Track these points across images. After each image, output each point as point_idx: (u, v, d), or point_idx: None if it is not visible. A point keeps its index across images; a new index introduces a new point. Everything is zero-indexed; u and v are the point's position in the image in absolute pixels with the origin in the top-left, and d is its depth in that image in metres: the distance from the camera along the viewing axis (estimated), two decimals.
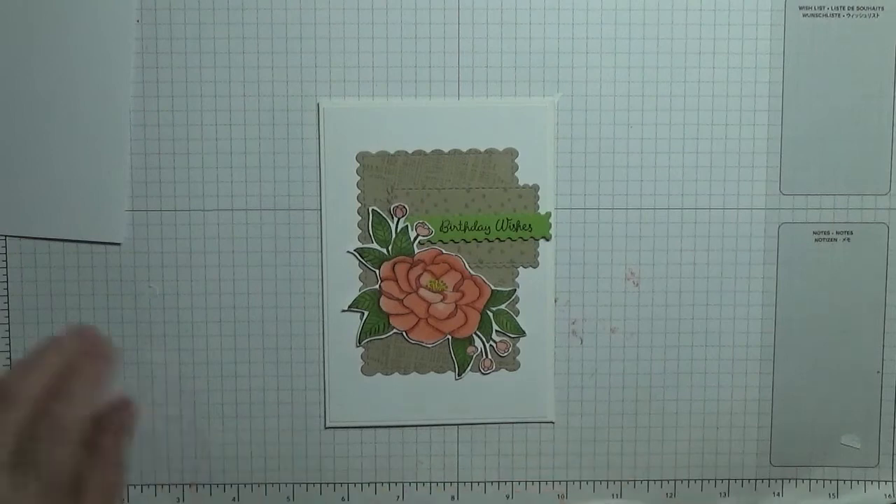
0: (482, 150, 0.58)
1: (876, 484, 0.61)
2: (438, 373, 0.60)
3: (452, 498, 0.61)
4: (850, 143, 0.59)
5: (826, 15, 0.58)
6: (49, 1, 0.57)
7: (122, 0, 0.57)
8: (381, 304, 0.59)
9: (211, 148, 0.58)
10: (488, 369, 0.60)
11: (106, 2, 0.57)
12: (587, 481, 0.61)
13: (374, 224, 0.58)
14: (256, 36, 0.57)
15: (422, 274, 0.59)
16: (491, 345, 0.60)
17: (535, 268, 0.59)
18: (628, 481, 0.61)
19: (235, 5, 0.57)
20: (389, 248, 0.59)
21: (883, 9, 0.58)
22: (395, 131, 0.58)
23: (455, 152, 0.58)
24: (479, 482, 0.61)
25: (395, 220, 0.58)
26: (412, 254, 0.59)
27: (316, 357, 0.59)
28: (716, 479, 0.61)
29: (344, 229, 0.59)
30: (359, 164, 0.58)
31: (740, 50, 0.58)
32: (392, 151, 0.58)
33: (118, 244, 0.59)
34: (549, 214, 0.59)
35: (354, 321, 0.59)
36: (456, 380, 0.60)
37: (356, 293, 0.59)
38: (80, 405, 0.39)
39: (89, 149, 0.58)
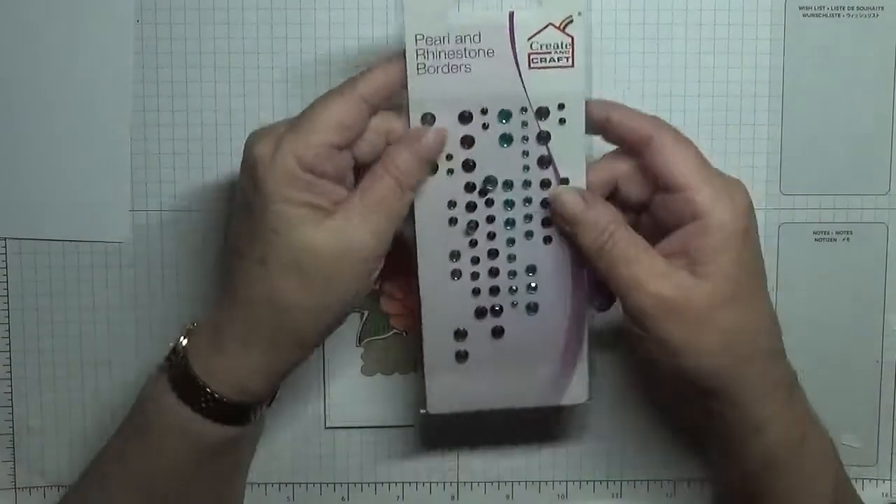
0: None
1: (874, 482, 0.61)
2: None
3: (452, 498, 0.61)
4: (850, 143, 0.59)
5: (826, 15, 0.58)
6: (49, 1, 0.57)
7: (122, 0, 0.57)
8: (381, 304, 0.59)
9: (211, 148, 0.58)
10: None
11: (106, 2, 0.57)
12: (587, 481, 0.61)
13: None
14: (256, 36, 0.57)
15: None
16: None
17: None
18: (628, 481, 0.61)
19: (235, 5, 0.57)
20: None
21: (883, 9, 0.58)
22: None
23: None
24: (479, 482, 0.61)
25: None
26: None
27: (316, 357, 0.59)
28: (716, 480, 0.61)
29: None
30: None
31: (740, 50, 0.58)
32: None
33: (119, 243, 0.59)
34: None
35: (354, 321, 0.59)
36: None
37: None
38: None
39: (90, 149, 0.58)
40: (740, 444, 0.51)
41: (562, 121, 0.49)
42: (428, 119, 0.49)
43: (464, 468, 0.61)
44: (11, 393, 0.60)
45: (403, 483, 0.61)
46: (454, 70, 0.48)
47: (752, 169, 0.59)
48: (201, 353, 0.49)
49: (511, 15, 0.48)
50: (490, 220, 0.51)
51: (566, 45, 0.48)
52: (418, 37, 0.48)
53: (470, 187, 0.50)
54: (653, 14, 0.58)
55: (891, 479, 0.61)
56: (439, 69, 0.48)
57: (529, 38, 0.48)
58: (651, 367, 0.53)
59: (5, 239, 0.59)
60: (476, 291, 0.51)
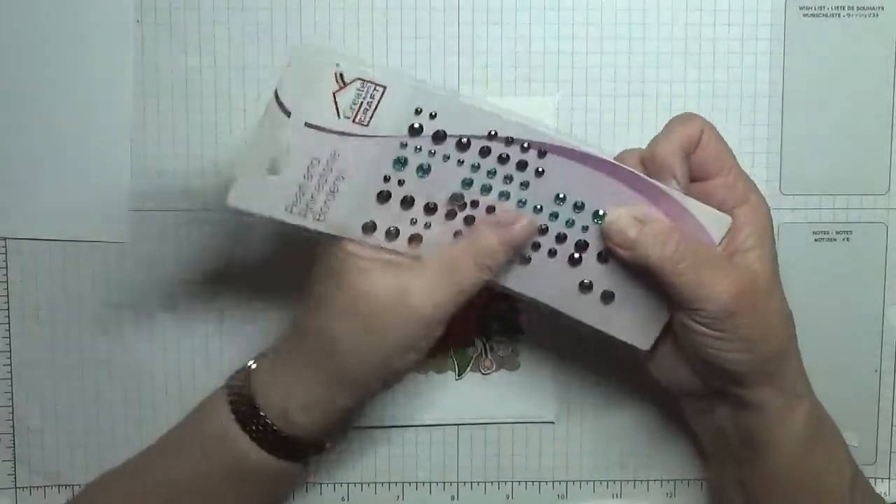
0: None
1: (873, 481, 0.61)
2: (438, 373, 0.60)
3: (452, 498, 0.61)
4: (850, 143, 0.59)
5: (826, 15, 0.58)
6: (49, 1, 0.57)
7: (122, 0, 0.57)
8: None
9: (211, 148, 0.58)
10: (488, 369, 0.60)
11: (106, 2, 0.57)
12: (587, 481, 0.61)
13: None
14: (256, 36, 0.57)
15: None
16: (491, 345, 0.60)
17: None
18: (628, 481, 0.61)
19: (235, 5, 0.57)
20: None
21: (883, 9, 0.58)
22: None
23: None
24: (479, 482, 0.61)
25: None
26: None
27: None
28: None
29: None
30: None
31: (740, 50, 0.58)
32: None
33: (119, 243, 0.59)
34: None
35: None
36: (456, 380, 0.60)
37: None
38: None
39: (90, 149, 0.58)
40: (775, 429, 0.51)
41: (433, 115, 0.47)
42: (369, 226, 0.48)
43: (464, 468, 0.61)
44: (11, 393, 0.60)
45: (403, 483, 0.61)
46: (333, 192, 0.47)
47: (752, 169, 0.59)
48: (261, 374, 0.50)
49: (308, 125, 0.46)
50: (490, 210, 0.49)
51: (369, 86, 0.46)
52: (286, 209, 0.47)
53: (451, 215, 0.49)
54: (653, 14, 0.58)
55: (890, 478, 0.62)
56: (328, 205, 0.47)
57: (341, 116, 0.46)
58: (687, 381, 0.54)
59: (5, 239, 0.59)
60: (571, 258, 0.51)
